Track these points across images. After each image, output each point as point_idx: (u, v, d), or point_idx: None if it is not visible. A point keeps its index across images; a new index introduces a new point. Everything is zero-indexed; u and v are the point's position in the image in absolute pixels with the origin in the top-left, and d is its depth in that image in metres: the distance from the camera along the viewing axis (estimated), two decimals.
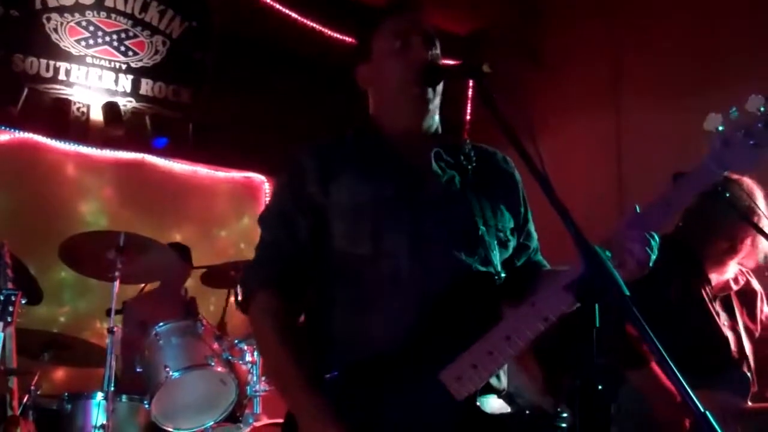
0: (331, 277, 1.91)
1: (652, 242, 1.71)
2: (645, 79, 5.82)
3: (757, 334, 3.13)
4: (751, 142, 1.68)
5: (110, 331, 3.98)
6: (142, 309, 4.84)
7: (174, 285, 5.19)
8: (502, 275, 1.92)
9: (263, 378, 4.00)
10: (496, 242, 1.95)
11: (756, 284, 3.21)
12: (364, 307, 1.85)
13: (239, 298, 2.04)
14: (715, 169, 1.73)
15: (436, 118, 2.05)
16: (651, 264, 1.70)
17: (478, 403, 1.75)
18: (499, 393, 1.86)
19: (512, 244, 2.01)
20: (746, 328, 3.08)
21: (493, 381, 1.82)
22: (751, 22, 5.10)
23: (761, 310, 3.18)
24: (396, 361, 1.75)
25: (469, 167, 2.01)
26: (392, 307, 1.81)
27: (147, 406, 3.91)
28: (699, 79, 5.16)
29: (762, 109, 1.68)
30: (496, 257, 1.94)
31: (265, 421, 3.87)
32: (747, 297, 3.16)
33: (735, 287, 3.11)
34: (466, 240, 1.89)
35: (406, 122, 2.02)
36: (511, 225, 2.02)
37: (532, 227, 2.12)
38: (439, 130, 2.07)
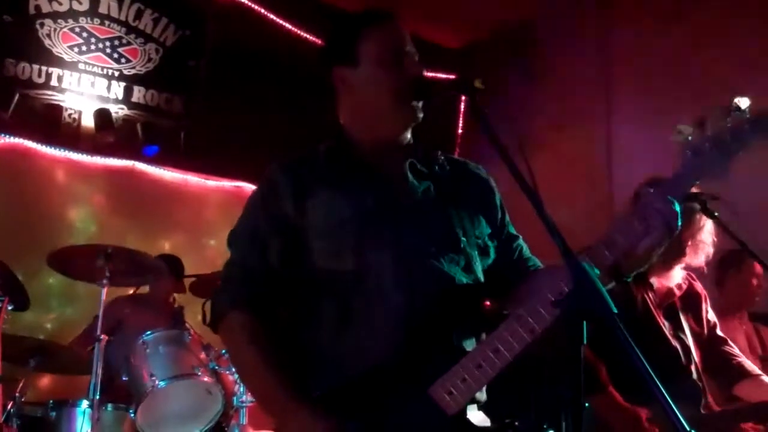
0: (313, 295, 1.89)
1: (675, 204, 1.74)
2: (637, 95, 5.86)
3: (704, 336, 3.12)
4: (719, 153, 1.73)
5: (97, 339, 3.94)
6: (124, 309, 4.81)
7: (161, 295, 5.18)
8: (485, 284, 1.93)
9: None
10: (476, 252, 1.96)
11: (699, 287, 3.20)
12: (350, 323, 1.82)
13: (207, 317, 2.00)
14: (689, 179, 1.78)
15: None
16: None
17: (468, 416, 1.75)
18: (479, 404, 1.85)
19: (492, 250, 2.01)
20: (693, 333, 3.07)
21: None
22: (742, 41, 5.15)
23: (706, 311, 3.17)
24: (385, 377, 1.74)
25: (444, 176, 2.01)
26: (379, 322, 1.80)
27: (132, 415, 3.88)
28: (690, 95, 5.19)
29: (728, 120, 1.72)
30: (478, 267, 1.95)
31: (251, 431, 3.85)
32: (691, 301, 3.14)
33: (678, 293, 3.09)
34: (448, 251, 1.89)
35: (387, 132, 2.00)
36: (489, 231, 2.02)
37: (512, 229, 2.11)
38: (411, 141, 2.05)
